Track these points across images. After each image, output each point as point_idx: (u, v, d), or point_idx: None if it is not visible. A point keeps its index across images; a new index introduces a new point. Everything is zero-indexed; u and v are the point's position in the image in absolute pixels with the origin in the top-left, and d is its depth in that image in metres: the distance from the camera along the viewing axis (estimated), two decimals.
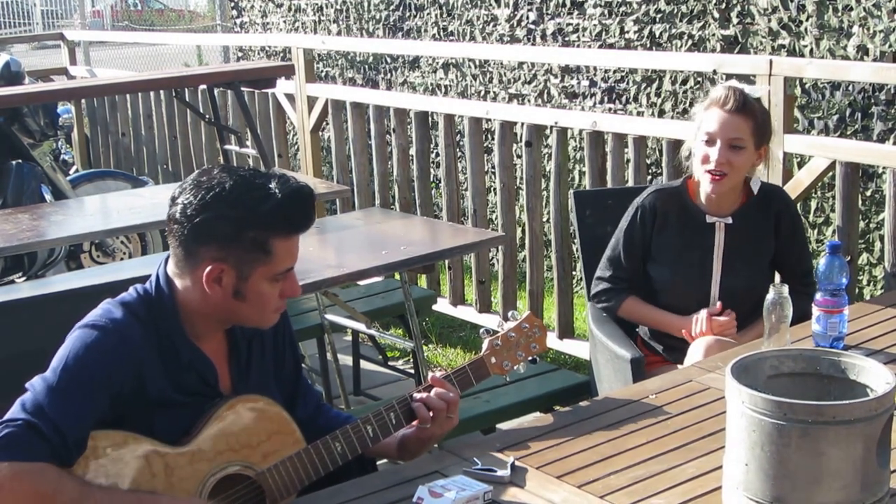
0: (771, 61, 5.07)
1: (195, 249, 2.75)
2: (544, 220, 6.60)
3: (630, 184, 5.74)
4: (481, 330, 3.21)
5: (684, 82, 6.89)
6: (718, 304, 4.09)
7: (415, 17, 9.45)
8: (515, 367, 3.16)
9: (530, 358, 3.18)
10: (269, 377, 3.00)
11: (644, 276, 4.27)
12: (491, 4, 8.53)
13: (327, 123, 8.06)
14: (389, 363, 6.68)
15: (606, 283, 4.32)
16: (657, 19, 7.15)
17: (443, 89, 9.15)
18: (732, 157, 4.00)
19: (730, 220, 4.14)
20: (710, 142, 4.03)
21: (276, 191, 2.73)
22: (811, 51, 6.21)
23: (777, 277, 4.30)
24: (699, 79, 6.72)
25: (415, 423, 3.00)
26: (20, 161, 7.48)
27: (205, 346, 2.84)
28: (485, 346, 3.14)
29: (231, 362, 2.91)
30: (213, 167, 2.84)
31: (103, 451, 2.63)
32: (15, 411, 2.57)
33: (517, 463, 2.81)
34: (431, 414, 2.97)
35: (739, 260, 4.16)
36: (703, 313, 4.02)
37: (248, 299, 2.78)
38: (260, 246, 2.73)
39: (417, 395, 2.99)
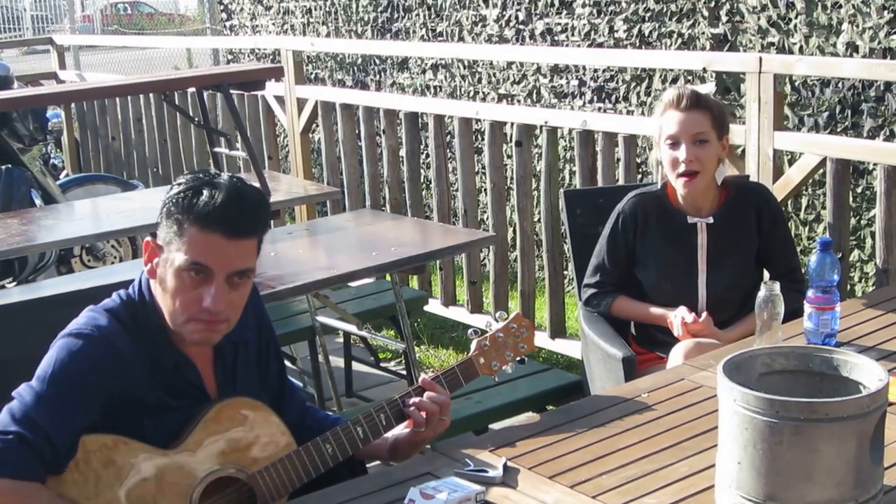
0: (761, 59, 5.07)
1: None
2: (535, 219, 6.60)
3: (620, 182, 5.73)
4: (469, 330, 3.21)
5: (674, 81, 6.89)
6: (704, 313, 4.09)
7: (403, 18, 9.45)
8: (504, 367, 3.17)
9: (518, 358, 3.19)
10: (255, 383, 2.99)
11: (632, 280, 4.28)
12: (479, 5, 8.53)
13: (317, 125, 8.05)
14: (381, 364, 6.67)
15: (594, 289, 4.35)
16: (646, 18, 7.14)
17: (432, 90, 9.15)
18: (699, 152, 4.04)
19: (711, 220, 4.16)
20: (674, 144, 4.06)
21: (205, 179, 2.75)
22: (801, 48, 6.21)
23: (766, 275, 4.30)
24: (689, 77, 6.72)
25: (406, 424, 3.00)
26: (9, 166, 7.46)
27: (189, 351, 2.83)
28: (473, 346, 3.14)
29: (217, 367, 2.90)
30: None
31: (94, 456, 2.63)
32: (4, 422, 2.56)
33: (509, 463, 2.80)
34: (425, 417, 2.97)
35: (724, 259, 4.17)
36: (679, 316, 4.03)
37: (166, 289, 2.75)
38: (179, 228, 2.71)
39: (409, 399, 2.98)
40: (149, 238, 2.79)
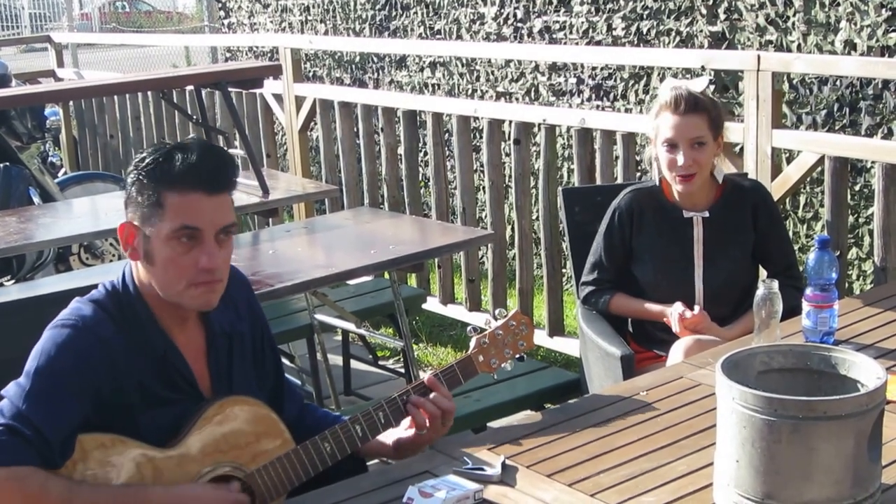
0: (759, 57, 5.07)
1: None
2: (533, 217, 6.60)
3: (619, 180, 5.73)
4: (469, 328, 3.20)
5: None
6: (697, 307, 4.09)
7: (401, 16, 9.45)
8: (503, 365, 3.16)
9: (518, 355, 3.18)
10: (250, 378, 2.98)
11: (629, 276, 4.28)
12: (477, 3, 8.52)
13: (315, 123, 8.05)
14: (379, 363, 6.67)
15: (592, 286, 4.35)
16: (644, 16, 7.14)
17: (430, 88, 9.15)
18: (697, 155, 4.05)
19: (706, 214, 4.17)
20: (672, 148, 4.06)
21: (170, 146, 2.76)
22: (799, 46, 6.21)
23: (763, 273, 4.31)
24: (687, 75, 6.72)
25: (409, 424, 2.99)
26: (7, 164, 7.46)
27: (178, 340, 2.83)
28: (472, 344, 3.14)
29: (210, 361, 2.90)
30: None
31: (91, 455, 2.63)
32: None
33: (507, 462, 2.79)
34: (427, 420, 2.97)
35: (720, 254, 4.17)
36: (676, 312, 4.03)
37: (156, 263, 2.75)
38: (155, 200, 2.71)
39: (409, 397, 2.98)
40: (122, 222, 2.78)
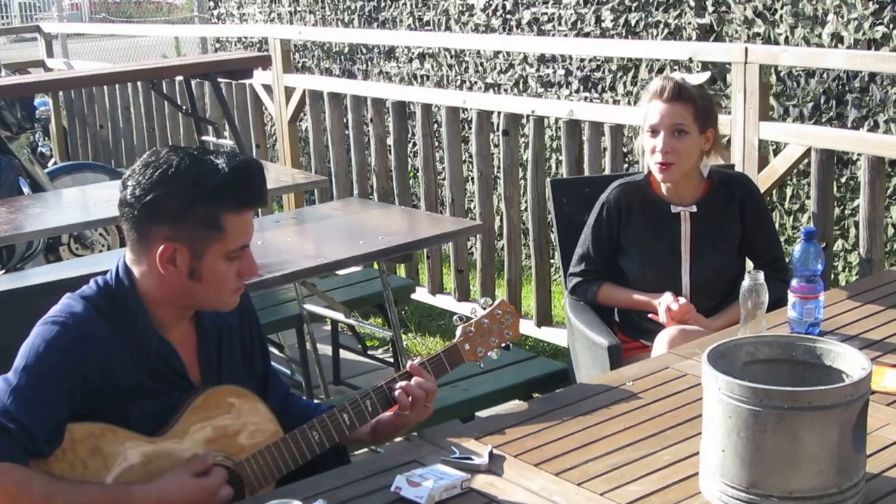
0: (746, 49, 5.09)
1: (147, 230, 2.72)
2: (522, 208, 6.61)
3: (607, 172, 5.75)
4: (454, 317, 3.23)
5: (660, 71, 6.90)
6: (682, 299, 4.11)
7: (390, 7, 9.45)
8: (489, 354, 3.18)
9: (503, 344, 3.20)
10: (239, 369, 2.99)
11: (615, 269, 4.30)
12: None
13: (305, 114, 8.06)
14: (369, 352, 6.69)
15: (579, 277, 4.36)
16: (633, 8, 7.15)
17: (419, 79, 9.15)
18: (676, 143, 4.06)
19: (694, 209, 4.18)
20: (654, 133, 4.09)
21: (223, 165, 2.71)
22: (786, 39, 6.23)
23: (750, 265, 4.33)
24: (675, 67, 6.73)
25: (392, 408, 3.01)
26: None
27: (171, 336, 2.83)
28: (458, 332, 3.15)
29: (200, 353, 2.90)
30: (162, 148, 2.80)
31: (80, 444, 2.62)
32: None
33: (495, 451, 2.81)
34: (410, 401, 2.98)
35: (707, 248, 4.19)
36: (664, 303, 4.05)
37: (204, 279, 2.75)
38: (211, 222, 2.70)
39: (396, 384, 3.00)
40: (164, 246, 2.70)
